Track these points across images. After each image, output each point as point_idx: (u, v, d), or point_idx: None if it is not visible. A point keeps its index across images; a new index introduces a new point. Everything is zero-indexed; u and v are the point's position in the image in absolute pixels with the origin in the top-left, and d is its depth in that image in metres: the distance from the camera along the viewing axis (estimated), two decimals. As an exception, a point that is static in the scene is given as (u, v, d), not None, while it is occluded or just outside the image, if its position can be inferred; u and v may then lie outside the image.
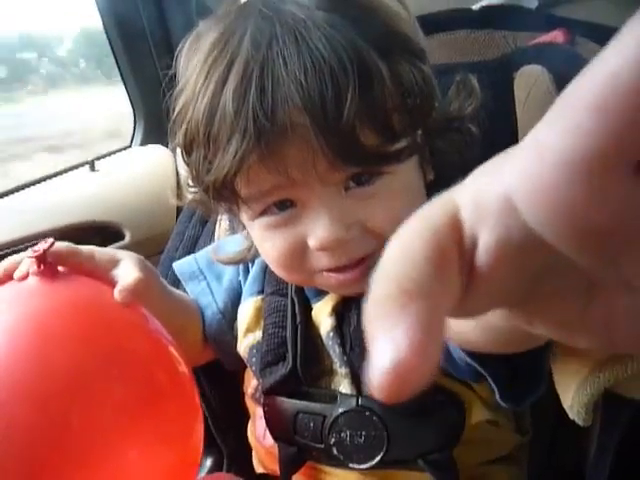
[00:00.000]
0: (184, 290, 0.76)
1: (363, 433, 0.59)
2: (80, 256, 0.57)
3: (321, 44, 0.50)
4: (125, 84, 1.47)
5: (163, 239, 0.98)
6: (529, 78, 0.74)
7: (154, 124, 1.52)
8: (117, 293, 0.53)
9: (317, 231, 0.53)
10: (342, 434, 0.60)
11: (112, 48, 1.42)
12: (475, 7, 1.11)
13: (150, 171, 1.39)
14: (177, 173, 1.49)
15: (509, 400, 0.54)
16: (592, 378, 0.38)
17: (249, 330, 0.69)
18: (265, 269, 0.70)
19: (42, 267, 0.52)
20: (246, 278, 0.73)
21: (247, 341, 0.69)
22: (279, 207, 0.55)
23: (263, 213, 0.56)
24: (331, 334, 0.63)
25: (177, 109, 0.58)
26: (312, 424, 0.61)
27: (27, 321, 0.49)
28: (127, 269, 0.58)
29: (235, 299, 0.73)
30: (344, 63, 0.49)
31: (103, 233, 1.20)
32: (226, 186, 0.54)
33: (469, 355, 0.51)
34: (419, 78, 0.53)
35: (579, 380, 0.39)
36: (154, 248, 1.10)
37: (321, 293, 0.65)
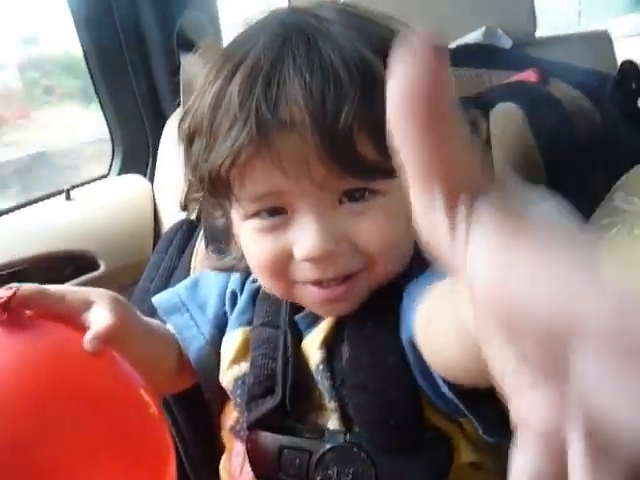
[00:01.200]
0: (162, 321, 0.74)
1: (351, 470, 0.57)
2: (49, 299, 0.54)
3: (331, 50, 0.51)
4: (104, 112, 1.47)
5: (139, 269, 0.97)
6: (503, 115, 0.76)
7: (133, 153, 1.52)
8: (87, 342, 0.51)
9: (305, 240, 0.53)
10: (329, 471, 0.58)
11: (91, 75, 1.42)
12: (451, 45, 1.15)
13: (127, 200, 1.38)
14: (155, 203, 1.49)
15: (494, 434, 0.53)
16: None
17: (234, 361, 0.67)
18: (254, 299, 0.69)
19: (6, 315, 0.50)
20: (232, 308, 0.71)
21: (232, 372, 0.67)
22: (270, 213, 0.55)
23: (254, 216, 0.56)
24: (320, 367, 0.61)
25: (186, 106, 0.60)
26: (298, 460, 0.59)
27: None
28: (100, 314, 0.55)
29: (222, 329, 0.71)
30: (351, 69, 0.51)
31: (78, 262, 1.18)
32: (221, 179, 0.54)
33: (455, 392, 0.50)
34: None
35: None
36: (129, 278, 1.09)
37: (313, 324, 0.63)
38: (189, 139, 0.59)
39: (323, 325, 0.63)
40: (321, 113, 0.50)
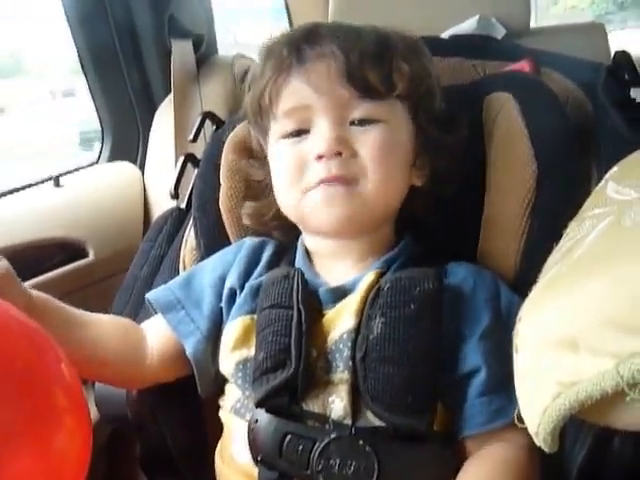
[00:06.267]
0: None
1: (353, 463, 0.58)
2: None
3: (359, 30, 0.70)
4: (93, 99, 1.46)
5: (128, 257, 0.96)
6: (496, 104, 0.76)
7: (122, 140, 1.51)
8: None
9: (319, 141, 0.66)
10: (331, 461, 0.58)
11: (81, 63, 1.41)
12: (444, 35, 1.14)
13: (117, 188, 1.37)
14: (145, 191, 1.48)
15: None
16: (555, 405, 0.39)
17: (235, 347, 0.68)
18: (257, 292, 0.70)
19: None
20: (231, 304, 0.72)
21: (233, 358, 0.68)
22: (297, 133, 0.68)
23: (285, 137, 0.69)
24: (344, 335, 0.63)
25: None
26: (301, 447, 0.60)
27: None
28: None
29: (218, 324, 0.72)
30: (368, 32, 0.70)
31: (67, 250, 1.17)
32: (264, 99, 0.70)
33: None
34: (426, 74, 0.71)
35: (544, 407, 0.39)
36: (119, 266, 1.09)
37: (339, 298, 0.67)
38: (248, 88, 0.74)
39: (355, 296, 0.65)
40: (345, 50, 0.66)
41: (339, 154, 0.65)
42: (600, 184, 0.53)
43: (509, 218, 0.71)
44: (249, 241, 0.77)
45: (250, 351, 0.67)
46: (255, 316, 0.69)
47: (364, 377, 0.60)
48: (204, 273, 0.76)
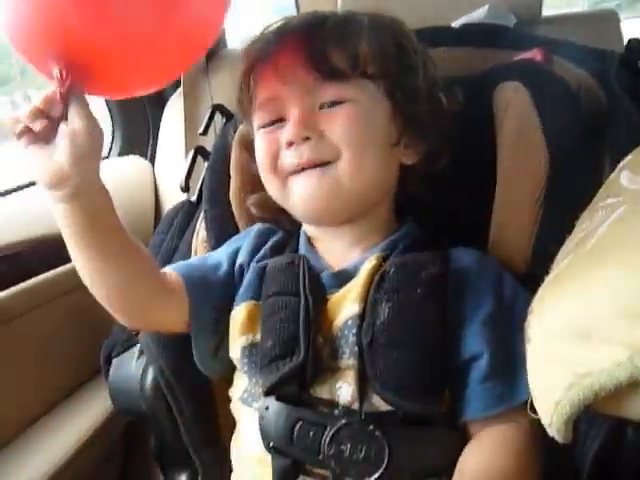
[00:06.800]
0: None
1: (364, 448, 0.59)
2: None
3: (326, 16, 0.70)
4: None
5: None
6: (508, 94, 0.75)
7: (132, 134, 1.51)
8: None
9: (288, 128, 0.68)
10: (342, 446, 0.59)
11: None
12: (455, 24, 1.13)
13: (127, 182, 1.38)
14: (155, 184, 1.48)
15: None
16: (569, 396, 0.38)
17: (241, 333, 0.69)
18: (261, 278, 0.71)
19: None
20: (239, 281, 0.74)
21: (241, 342, 0.69)
22: (273, 123, 0.70)
23: (262, 126, 0.71)
24: (349, 322, 0.63)
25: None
26: (312, 433, 0.60)
27: None
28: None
29: (228, 296, 0.73)
30: (331, 15, 0.70)
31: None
32: (242, 95, 0.73)
33: None
34: (400, 53, 0.70)
35: (557, 398, 0.39)
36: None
37: (342, 282, 0.67)
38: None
39: (358, 281, 0.65)
40: (308, 36, 0.67)
41: (307, 139, 0.66)
42: (613, 173, 0.52)
43: (521, 208, 0.70)
44: (259, 226, 0.79)
45: (255, 337, 0.68)
46: (259, 302, 0.70)
47: (371, 363, 0.60)
48: (219, 252, 0.79)
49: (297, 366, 0.62)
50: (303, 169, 0.67)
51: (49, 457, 0.93)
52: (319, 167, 0.66)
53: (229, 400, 0.74)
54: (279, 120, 0.70)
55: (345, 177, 0.66)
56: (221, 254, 0.78)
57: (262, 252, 0.75)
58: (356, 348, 0.62)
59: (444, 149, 0.72)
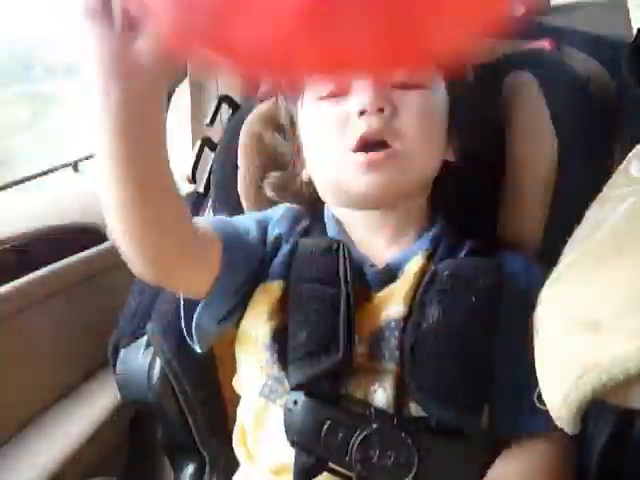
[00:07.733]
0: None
1: (393, 454, 0.57)
2: None
3: None
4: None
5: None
6: (517, 84, 0.75)
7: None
8: None
9: (362, 96, 0.63)
10: (370, 452, 0.57)
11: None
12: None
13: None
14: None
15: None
16: (578, 386, 0.38)
17: (274, 312, 0.64)
18: (293, 254, 0.67)
19: None
20: (275, 253, 0.69)
21: (270, 325, 0.64)
22: (334, 96, 0.66)
23: (322, 98, 0.66)
24: (392, 323, 0.61)
25: None
26: (340, 435, 0.58)
27: None
28: None
29: (256, 263, 0.68)
30: None
31: (86, 235, 1.18)
32: None
33: None
34: None
35: (566, 389, 0.39)
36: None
37: (388, 281, 0.64)
38: None
39: (405, 280, 0.63)
40: None
41: (381, 110, 0.63)
42: (623, 164, 0.52)
43: (530, 199, 0.70)
44: (288, 205, 0.75)
45: (284, 322, 0.64)
46: (287, 284, 0.65)
47: (412, 369, 0.58)
48: (242, 219, 0.73)
49: (334, 365, 0.59)
50: (369, 145, 0.63)
51: (55, 450, 0.93)
52: (388, 147, 0.63)
53: (234, 392, 0.73)
54: (340, 94, 0.66)
55: (409, 161, 0.63)
56: (247, 221, 0.72)
57: (297, 230, 0.71)
58: (397, 352, 0.59)
59: (482, 151, 0.70)
